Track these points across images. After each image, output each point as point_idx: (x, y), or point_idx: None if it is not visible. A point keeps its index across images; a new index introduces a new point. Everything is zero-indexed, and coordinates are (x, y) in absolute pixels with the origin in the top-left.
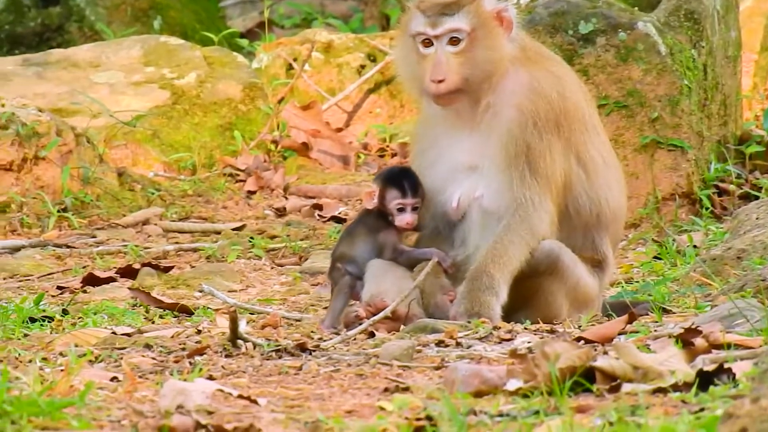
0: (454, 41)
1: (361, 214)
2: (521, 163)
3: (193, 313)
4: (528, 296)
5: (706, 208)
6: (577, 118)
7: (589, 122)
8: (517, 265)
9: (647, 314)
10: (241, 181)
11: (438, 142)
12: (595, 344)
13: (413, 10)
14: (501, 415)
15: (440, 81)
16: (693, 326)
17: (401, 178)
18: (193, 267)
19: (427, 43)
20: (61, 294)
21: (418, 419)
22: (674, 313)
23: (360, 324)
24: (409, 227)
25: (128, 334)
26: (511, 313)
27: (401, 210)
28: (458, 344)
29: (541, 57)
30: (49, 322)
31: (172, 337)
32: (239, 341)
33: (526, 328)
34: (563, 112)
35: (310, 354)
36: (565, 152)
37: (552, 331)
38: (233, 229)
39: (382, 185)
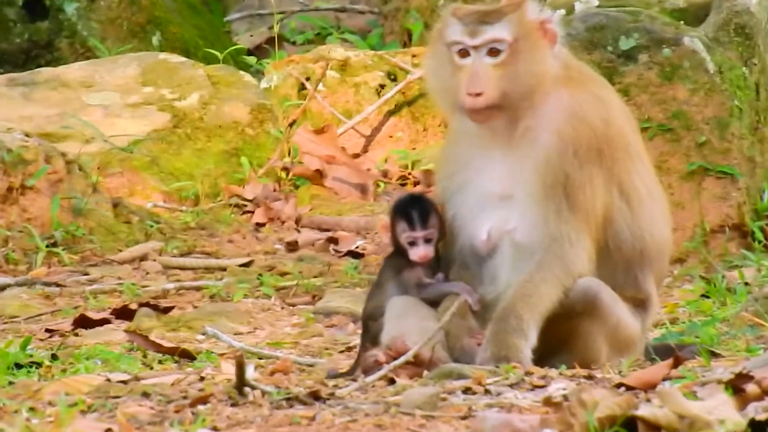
0: (493, 52)
1: (384, 258)
2: (559, 194)
3: (195, 358)
4: (564, 339)
5: (759, 242)
6: (621, 146)
7: (634, 150)
8: (548, 305)
9: (694, 358)
10: (248, 212)
11: (468, 166)
12: (637, 391)
13: (449, 17)
14: None
15: (477, 94)
16: (744, 371)
17: (409, 208)
18: (196, 307)
19: (464, 53)
20: (50, 337)
21: None
22: (723, 356)
23: (379, 369)
24: (424, 261)
25: (124, 382)
26: (545, 357)
27: (412, 243)
28: (487, 391)
29: (584, 77)
30: (37, 368)
31: (173, 384)
32: (246, 389)
33: (561, 374)
34: (607, 140)
35: (324, 402)
36: (607, 183)
37: (590, 377)
38: (240, 266)
39: (391, 217)
